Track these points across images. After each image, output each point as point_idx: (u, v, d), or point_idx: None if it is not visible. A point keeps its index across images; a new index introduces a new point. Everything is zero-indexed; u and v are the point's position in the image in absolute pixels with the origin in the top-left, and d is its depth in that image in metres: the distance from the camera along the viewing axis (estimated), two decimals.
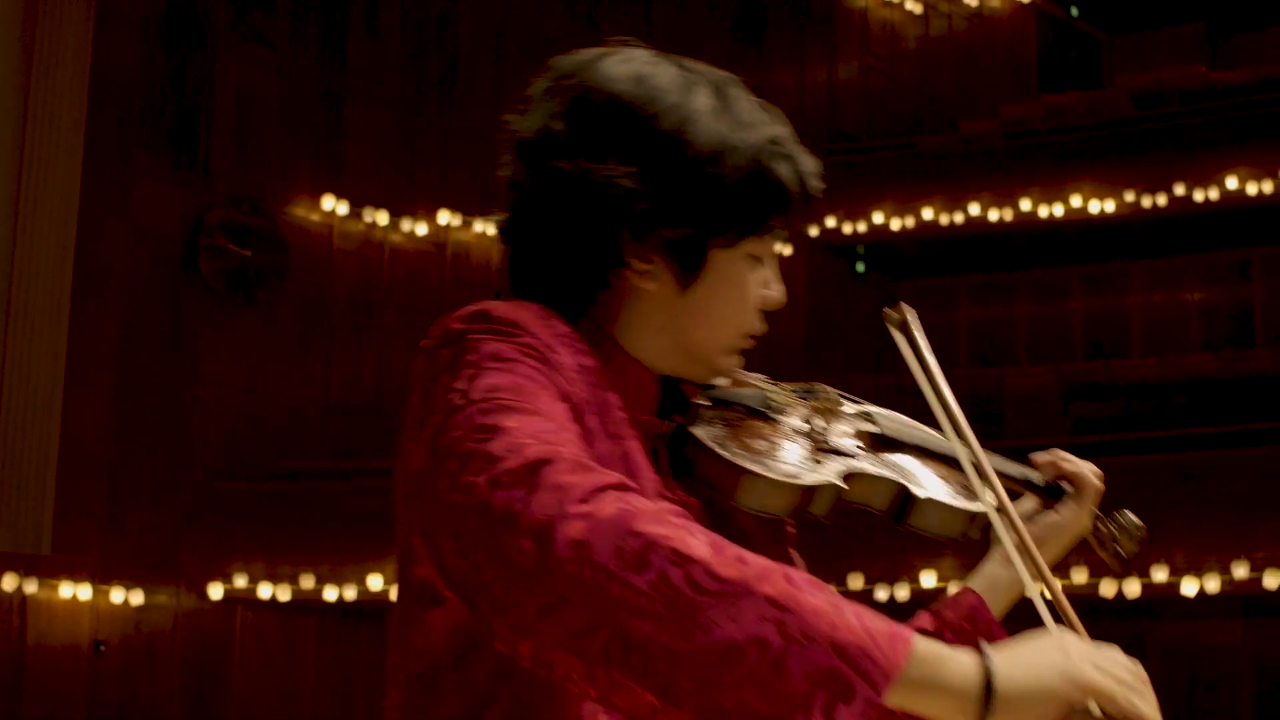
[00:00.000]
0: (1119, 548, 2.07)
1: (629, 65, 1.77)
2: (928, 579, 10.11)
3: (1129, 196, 13.91)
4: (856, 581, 10.27)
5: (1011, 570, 1.96)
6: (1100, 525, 2.07)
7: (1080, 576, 9.92)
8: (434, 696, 1.60)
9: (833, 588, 1.43)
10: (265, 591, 10.94)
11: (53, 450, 10.48)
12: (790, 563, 1.74)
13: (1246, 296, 15.12)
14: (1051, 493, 2.05)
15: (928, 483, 1.88)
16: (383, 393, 12.41)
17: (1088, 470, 2.02)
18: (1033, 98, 16.95)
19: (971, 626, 1.94)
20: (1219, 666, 11.40)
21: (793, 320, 14.32)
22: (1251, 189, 13.54)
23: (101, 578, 10.83)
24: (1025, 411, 12.56)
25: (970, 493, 1.87)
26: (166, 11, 11.65)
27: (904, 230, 14.55)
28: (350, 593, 10.74)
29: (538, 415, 1.49)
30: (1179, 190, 13.74)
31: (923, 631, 1.54)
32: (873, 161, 15.14)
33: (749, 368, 1.87)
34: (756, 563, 1.32)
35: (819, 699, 1.28)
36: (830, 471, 1.77)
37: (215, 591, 11.07)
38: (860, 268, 15.56)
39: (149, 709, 10.98)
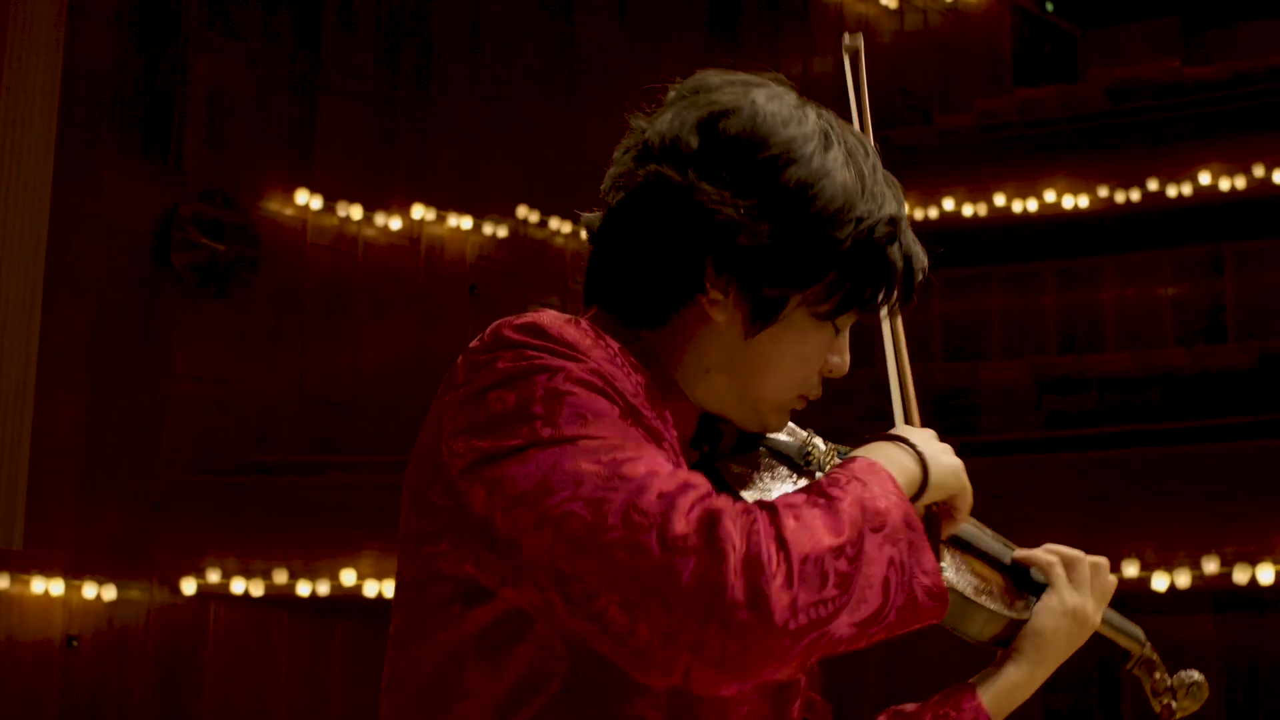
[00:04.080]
0: (1174, 702, 2.04)
1: (777, 103, 1.70)
2: None
3: (1103, 191, 13.94)
4: None
5: (1012, 675, 1.93)
6: (1160, 676, 2.05)
7: None
8: (458, 695, 1.61)
9: None
10: (238, 586, 10.92)
11: (25, 444, 10.44)
12: None
13: (1219, 291, 15.17)
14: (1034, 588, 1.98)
15: (952, 571, 1.83)
16: (357, 386, 12.39)
17: (1082, 556, 2.00)
18: (1007, 92, 16.97)
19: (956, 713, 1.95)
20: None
21: None
22: (1224, 184, 13.58)
23: (74, 573, 10.80)
24: (999, 405, 12.58)
25: (998, 598, 1.86)
26: (139, 4, 11.61)
27: None
28: (323, 588, 10.72)
29: (643, 454, 1.51)
30: (1152, 185, 13.78)
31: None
32: None
33: None
34: (843, 505, 1.54)
35: (914, 559, 1.60)
36: None
37: (188, 586, 11.04)
38: None
39: (121, 704, 10.95)
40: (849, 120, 1.78)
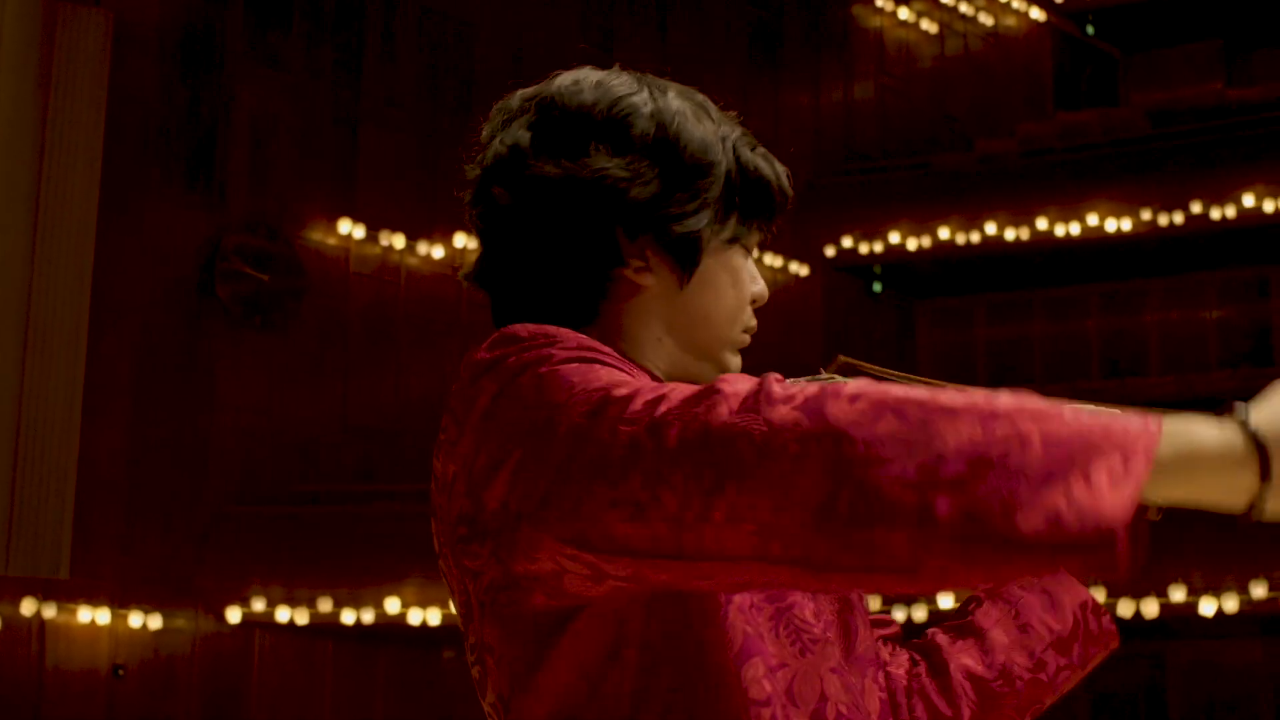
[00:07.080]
0: None
1: (586, 76, 1.79)
2: (945, 600, 10.08)
3: (1145, 214, 13.89)
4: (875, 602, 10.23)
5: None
6: None
7: (1099, 595, 9.89)
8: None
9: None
10: (283, 615, 10.95)
11: (71, 474, 10.49)
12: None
13: (1265, 314, 15.08)
14: None
15: None
16: (400, 415, 12.42)
17: None
18: (1049, 116, 16.94)
19: (1095, 617, 1.91)
20: (1238, 686, 11.36)
21: (809, 340, 14.31)
22: (1269, 206, 13.51)
23: (120, 602, 10.84)
24: None
25: None
26: (183, 36, 11.70)
27: (920, 250, 14.54)
28: (368, 616, 10.74)
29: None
30: (1196, 208, 13.72)
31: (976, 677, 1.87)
32: (889, 181, 15.14)
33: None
34: (951, 396, 1.47)
35: (1098, 461, 1.29)
36: None
37: (233, 615, 11.08)
38: (877, 288, 15.55)
39: None
40: None
